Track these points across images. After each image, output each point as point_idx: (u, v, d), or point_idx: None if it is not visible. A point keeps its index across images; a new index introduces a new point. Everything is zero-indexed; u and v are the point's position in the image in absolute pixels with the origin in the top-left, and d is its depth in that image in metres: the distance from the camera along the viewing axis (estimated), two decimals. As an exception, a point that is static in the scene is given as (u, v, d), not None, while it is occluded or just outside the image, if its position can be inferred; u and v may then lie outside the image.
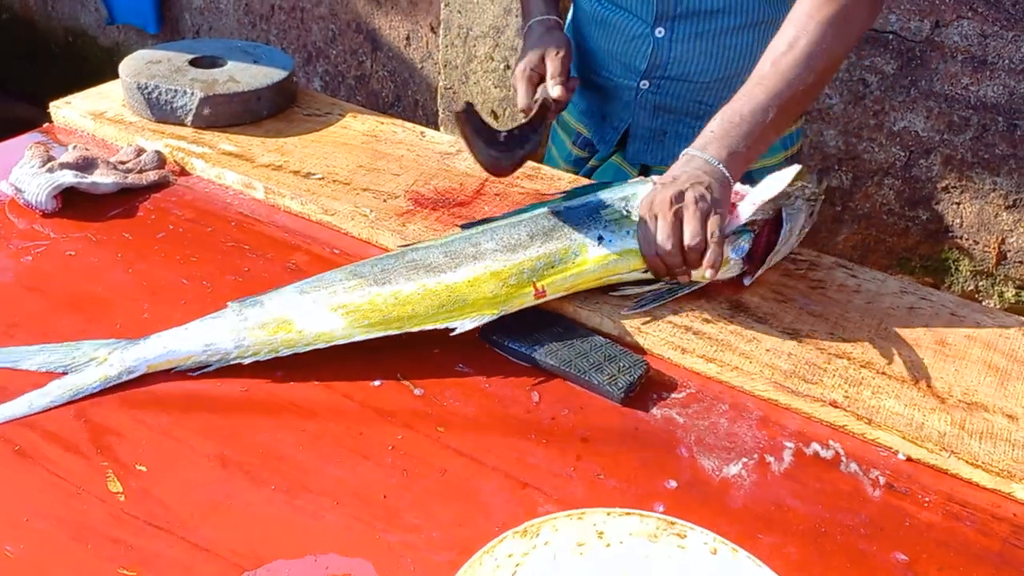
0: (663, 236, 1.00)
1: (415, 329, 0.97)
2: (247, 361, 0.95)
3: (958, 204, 2.24)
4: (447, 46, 2.35)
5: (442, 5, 2.30)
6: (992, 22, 2.03)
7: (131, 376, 0.93)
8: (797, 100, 1.07)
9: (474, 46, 2.30)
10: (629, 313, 1.04)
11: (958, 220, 2.26)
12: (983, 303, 2.27)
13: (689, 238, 0.99)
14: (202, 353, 0.95)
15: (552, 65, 1.22)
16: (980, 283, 2.30)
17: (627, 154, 1.37)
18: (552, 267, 1.02)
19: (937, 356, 1.02)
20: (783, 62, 1.06)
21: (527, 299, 1.01)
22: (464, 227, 1.13)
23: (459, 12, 2.28)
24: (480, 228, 1.08)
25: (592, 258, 1.03)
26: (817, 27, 1.05)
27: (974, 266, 2.28)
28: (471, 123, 1.03)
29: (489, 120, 2.36)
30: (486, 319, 0.99)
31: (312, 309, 0.98)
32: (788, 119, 1.09)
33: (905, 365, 1.00)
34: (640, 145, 1.34)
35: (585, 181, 1.33)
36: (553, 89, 1.20)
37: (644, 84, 1.29)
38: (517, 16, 2.18)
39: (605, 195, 1.09)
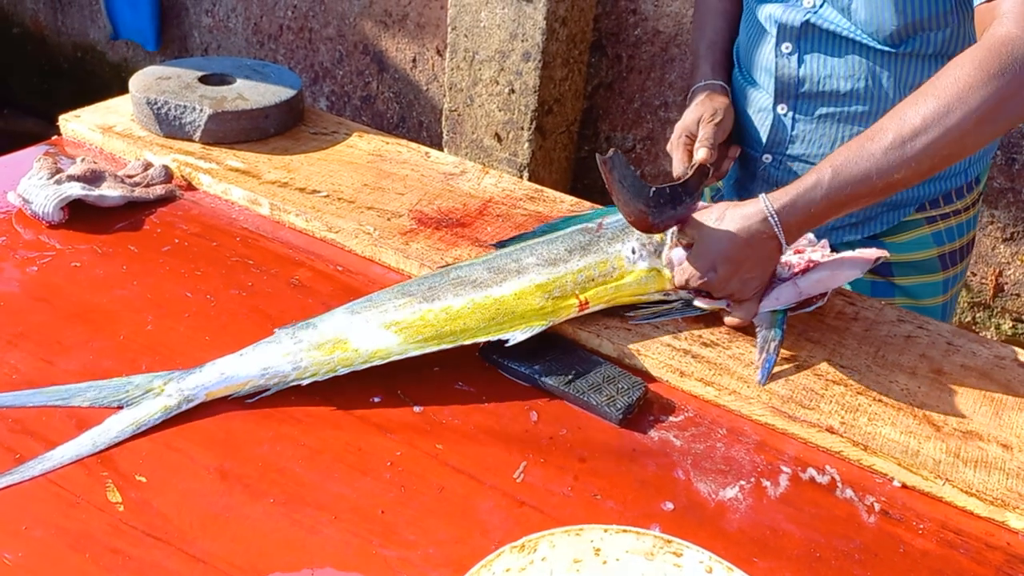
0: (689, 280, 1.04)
1: (468, 342, 0.99)
2: (306, 382, 0.95)
3: (956, 236, 2.25)
4: (453, 69, 2.37)
5: (449, 29, 2.33)
6: None
7: (191, 404, 0.93)
8: (907, 183, 0.96)
9: (479, 70, 2.32)
10: (636, 323, 1.07)
11: (956, 252, 2.27)
12: (980, 335, 2.27)
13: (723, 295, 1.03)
14: (260, 377, 0.95)
15: (704, 130, 1.16)
16: (977, 315, 2.31)
17: None
18: (593, 280, 1.06)
19: (933, 384, 1.02)
20: (909, 147, 0.92)
21: (572, 310, 1.04)
22: (498, 245, 1.17)
23: (466, 36, 2.31)
24: (518, 245, 1.12)
25: (628, 272, 1.06)
26: (961, 117, 0.90)
27: (971, 298, 2.29)
28: (616, 171, 0.98)
29: (492, 143, 2.38)
30: (536, 330, 1.01)
31: (365, 328, 0.99)
32: (887, 195, 0.98)
33: (901, 393, 1.01)
34: None
35: (587, 204, 1.34)
36: (697, 152, 1.14)
37: (767, 158, 1.26)
38: (523, 41, 2.21)
39: None
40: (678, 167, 1.16)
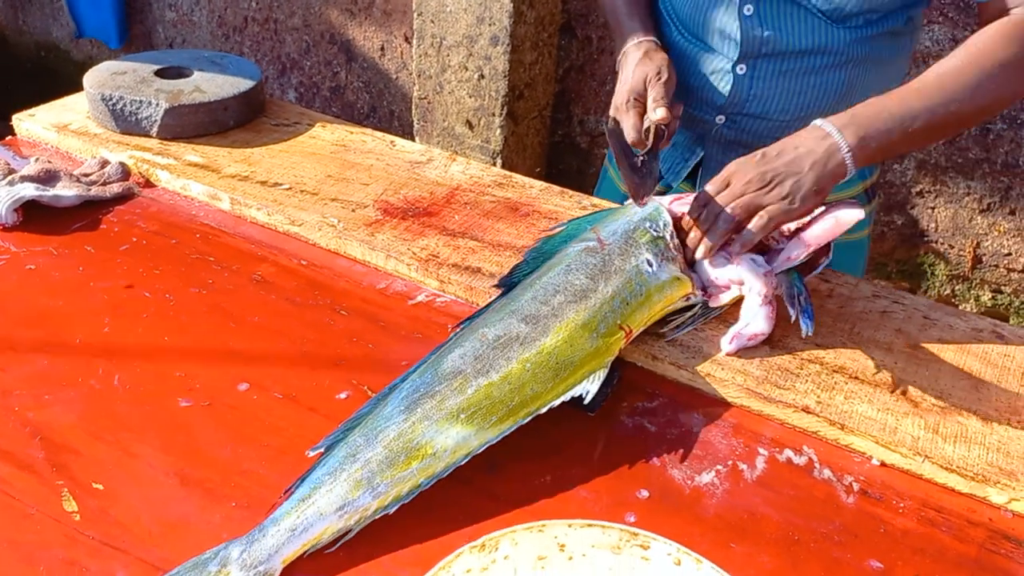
0: (721, 200, 1.03)
1: (544, 409, 0.90)
2: (392, 509, 0.81)
3: (933, 209, 2.25)
4: (421, 56, 2.34)
5: (415, 15, 2.29)
6: (963, 27, 2.04)
7: None
8: (946, 125, 1.03)
9: (448, 56, 2.29)
10: (672, 336, 1.02)
11: (933, 224, 2.27)
12: (959, 307, 2.27)
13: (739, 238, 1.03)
14: (338, 518, 0.79)
15: (654, 89, 1.12)
16: (956, 287, 2.31)
17: (697, 187, 1.32)
18: (627, 303, 0.98)
19: (910, 360, 1.01)
20: (949, 82, 1.01)
21: (620, 343, 0.97)
22: (501, 285, 1.06)
23: (432, 22, 2.27)
24: (527, 280, 1.02)
25: (652, 287, 1.00)
26: (993, 65, 1.01)
27: (950, 270, 2.29)
28: (620, 142, 0.98)
29: (464, 130, 2.34)
30: (601, 376, 0.93)
31: (431, 427, 0.86)
32: (926, 139, 1.04)
33: (878, 369, 0.99)
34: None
35: (556, 188, 1.31)
36: (655, 112, 1.10)
37: (720, 119, 1.25)
38: (490, 24, 2.18)
39: (623, 219, 1.07)
40: (632, 132, 1.11)
